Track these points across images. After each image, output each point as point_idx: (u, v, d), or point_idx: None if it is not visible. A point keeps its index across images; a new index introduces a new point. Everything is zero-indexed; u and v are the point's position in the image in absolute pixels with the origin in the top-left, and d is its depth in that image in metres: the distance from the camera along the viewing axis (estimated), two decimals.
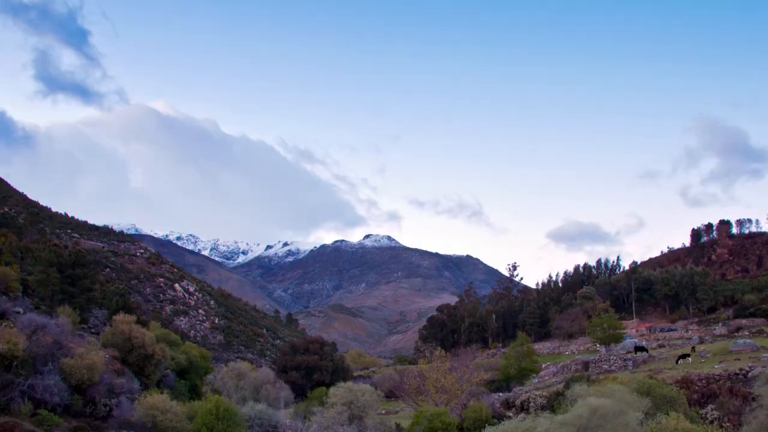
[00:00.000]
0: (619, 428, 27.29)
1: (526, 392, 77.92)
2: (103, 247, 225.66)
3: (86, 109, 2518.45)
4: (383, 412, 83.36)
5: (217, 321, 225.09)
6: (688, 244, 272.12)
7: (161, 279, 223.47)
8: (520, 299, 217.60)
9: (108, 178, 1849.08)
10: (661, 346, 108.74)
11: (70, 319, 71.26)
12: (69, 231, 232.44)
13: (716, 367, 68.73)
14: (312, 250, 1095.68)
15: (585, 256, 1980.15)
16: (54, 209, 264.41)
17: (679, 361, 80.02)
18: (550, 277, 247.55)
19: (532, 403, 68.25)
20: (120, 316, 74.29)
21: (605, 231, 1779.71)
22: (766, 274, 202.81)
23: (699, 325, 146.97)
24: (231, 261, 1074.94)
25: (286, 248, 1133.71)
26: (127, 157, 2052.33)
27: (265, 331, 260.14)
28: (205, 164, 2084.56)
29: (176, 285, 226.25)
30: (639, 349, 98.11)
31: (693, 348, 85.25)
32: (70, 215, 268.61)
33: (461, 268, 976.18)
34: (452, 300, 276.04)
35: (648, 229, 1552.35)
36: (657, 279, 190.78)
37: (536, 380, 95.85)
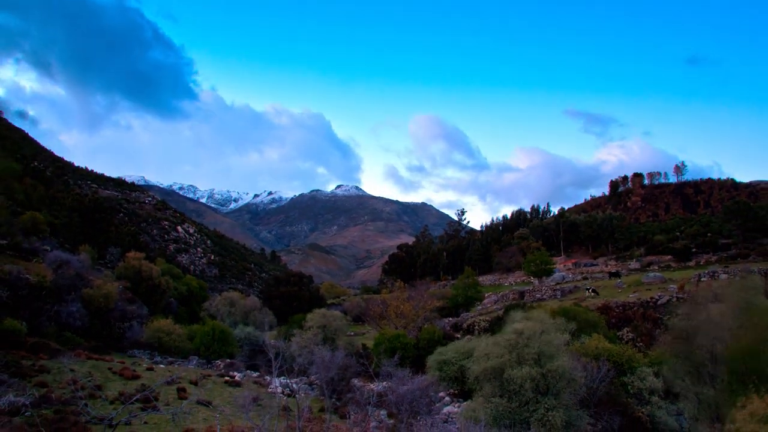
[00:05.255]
0: (543, 345, 27.49)
1: (472, 317, 78.35)
2: (117, 196, 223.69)
3: None
4: (352, 334, 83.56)
5: (212, 257, 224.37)
6: (607, 193, 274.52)
7: (166, 222, 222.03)
8: (466, 239, 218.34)
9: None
10: (584, 278, 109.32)
11: (89, 255, 71.73)
12: (89, 182, 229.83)
13: (631, 296, 69.31)
14: (292, 198, 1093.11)
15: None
16: (76, 164, 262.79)
17: (590, 291, 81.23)
18: (492, 220, 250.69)
19: (476, 327, 68.61)
20: (131, 253, 74.88)
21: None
22: (672, 219, 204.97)
23: (616, 260, 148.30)
24: (224, 207, 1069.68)
25: (271, 197, 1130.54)
26: None
27: (252, 266, 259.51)
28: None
29: (178, 227, 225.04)
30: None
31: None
32: (89, 168, 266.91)
33: (417, 213, 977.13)
34: (410, 240, 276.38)
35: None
36: (581, 222, 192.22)
37: (480, 307, 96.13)
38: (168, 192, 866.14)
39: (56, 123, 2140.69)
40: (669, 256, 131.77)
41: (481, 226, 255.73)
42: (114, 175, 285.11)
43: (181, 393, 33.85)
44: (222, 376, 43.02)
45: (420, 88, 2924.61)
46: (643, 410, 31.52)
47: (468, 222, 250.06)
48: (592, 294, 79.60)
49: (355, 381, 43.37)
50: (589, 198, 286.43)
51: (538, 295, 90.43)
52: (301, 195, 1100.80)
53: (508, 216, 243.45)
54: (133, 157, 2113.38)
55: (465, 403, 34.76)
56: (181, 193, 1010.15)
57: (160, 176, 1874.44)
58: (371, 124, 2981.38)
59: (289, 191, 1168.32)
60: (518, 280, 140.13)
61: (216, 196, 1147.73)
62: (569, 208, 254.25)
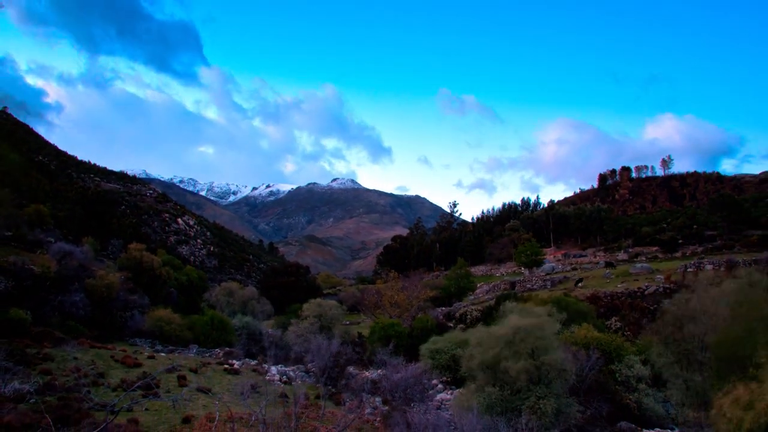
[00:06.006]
0: (539, 340, 27.55)
1: (464, 307, 78.47)
2: (119, 189, 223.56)
3: None
4: (347, 323, 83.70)
5: (212, 249, 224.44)
6: (596, 186, 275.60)
7: (166, 214, 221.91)
8: (459, 231, 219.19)
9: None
10: (574, 269, 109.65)
11: (92, 247, 71.86)
12: (92, 175, 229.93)
13: (619, 286, 69.56)
14: (290, 191, 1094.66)
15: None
16: (80, 158, 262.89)
17: (578, 284, 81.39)
18: (483, 212, 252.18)
19: (468, 316, 68.73)
20: (133, 245, 74.90)
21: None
22: (659, 211, 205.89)
23: (605, 252, 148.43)
24: (224, 200, 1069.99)
25: (269, 189, 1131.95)
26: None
27: (251, 257, 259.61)
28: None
29: (179, 219, 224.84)
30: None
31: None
32: (92, 162, 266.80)
33: (411, 206, 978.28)
34: (404, 232, 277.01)
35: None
36: (571, 214, 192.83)
37: (472, 297, 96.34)
38: (168, 185, 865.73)
39: (60, 94, 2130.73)
40: (656, 248, 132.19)
41: (473, 218, 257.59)
42: (116, 168, 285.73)
43: (182, 380, 33.89)
44: (221, 364, 43.04)
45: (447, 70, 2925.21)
46: (631, 397, 31.65)
47: (460, 214, 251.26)
48: (579, 285, 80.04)
49: (351, 369, 43.47)
50: (578, 191, 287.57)
51: (528, 285, 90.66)
52: (299, 188, 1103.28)
53: (499, 208, 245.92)
54: (138, 140, 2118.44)
55: (457, 390, 34.88)
56: (181, 186, 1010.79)
57: (161, 169, 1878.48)
58: (392, 111, 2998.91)
59: (286, 184, 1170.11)
60: (509, 271, 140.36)
61: (215, 188, 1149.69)
62: (559, 201, 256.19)
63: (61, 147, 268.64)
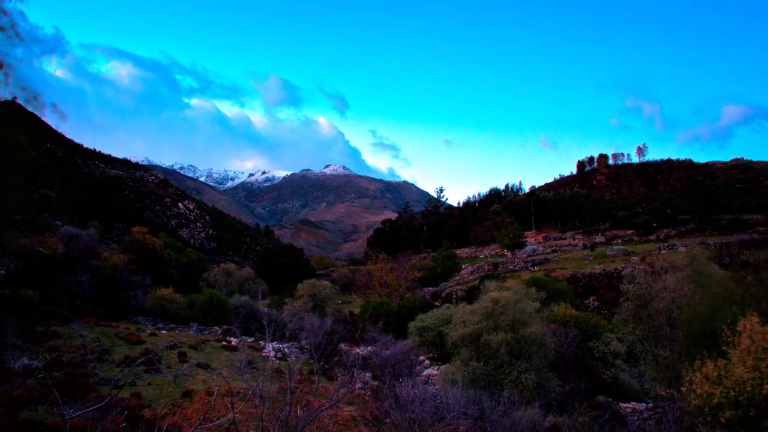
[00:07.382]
0: (518, 313, 27.75)
1: (450, 287, 78.78)
2: (123, 175, 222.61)
3: None
4: (339, 302, 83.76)
5: (211, 231, 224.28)
6: (575, 172, 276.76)
7: (168, 199, 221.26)
8: (445, 215, 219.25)
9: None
10: (554, 251, 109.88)
11: (97, 230, 71.86)
12: (97, 162, 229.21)
13: (596, 267, 69.93)
14: (285, 177, 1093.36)
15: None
16: (86, 146, 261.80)
17: (535, 267, 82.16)
18: (468, 198, 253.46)
19: (454, 295, 69.04)
20: (136, 228, 75.19)
21: None
22: (635, 196, 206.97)
23: (583, 234, 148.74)
24: (222, 186, 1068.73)
25: (265, 175, 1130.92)
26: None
27: (248, 239, 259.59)
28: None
29: (179, 204, 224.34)
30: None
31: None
32: (97, 150, 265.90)
33: (400, 191, 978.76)
34: (393, 216, 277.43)
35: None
36: (551, 199, 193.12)
37: (457, 277, 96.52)
38: (170, 171, 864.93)
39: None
40: (632, 231, 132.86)
41: (459, 203, 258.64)
42: (121, 155, 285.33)
43: (182, 357, 33.97)
44: (219, 341, 43.11)
45: None
46: (608, 372, 31.88)
47: (447, 199, 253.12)
48: (534, 269, 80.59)
49: (342, 345, 43.62)
50: (558, 177, 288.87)
51: (510, 267, 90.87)
52: (293, 174, 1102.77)
53: (484, 193, 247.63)
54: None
55: (443, 366, 34.99)
56: (181, 172, 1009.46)
57: (162, 156, 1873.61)
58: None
59: (281, 171, 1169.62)
60: (493, 253, 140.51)
61: (214, 175, 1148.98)
62: (539, 186, 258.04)
63: (69, 135, 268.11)
